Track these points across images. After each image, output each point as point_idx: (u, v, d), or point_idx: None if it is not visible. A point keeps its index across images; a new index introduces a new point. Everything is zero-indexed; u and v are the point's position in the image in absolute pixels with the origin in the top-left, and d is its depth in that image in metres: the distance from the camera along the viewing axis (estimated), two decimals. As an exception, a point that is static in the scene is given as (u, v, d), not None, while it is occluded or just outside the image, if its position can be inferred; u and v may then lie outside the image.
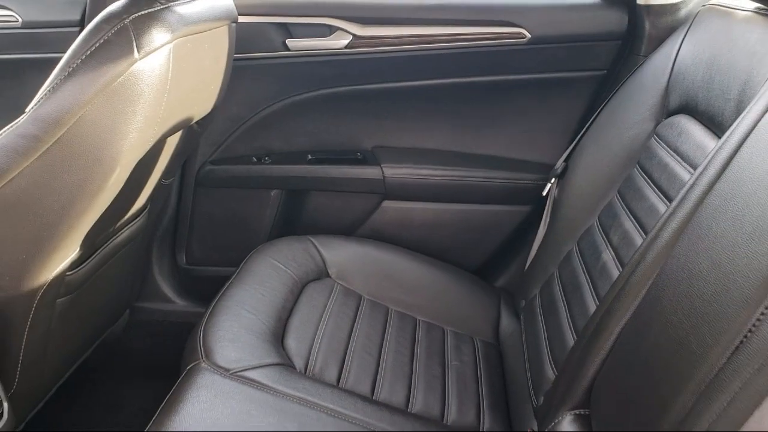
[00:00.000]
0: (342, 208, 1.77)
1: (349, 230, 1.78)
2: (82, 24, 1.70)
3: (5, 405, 1.07)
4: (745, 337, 0.72)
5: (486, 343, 1.50)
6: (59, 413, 1.60)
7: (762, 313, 0.71)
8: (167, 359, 1.45)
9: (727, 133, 0.99)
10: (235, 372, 1.11)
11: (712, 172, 0.95)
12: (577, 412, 1.03)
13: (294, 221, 1.81)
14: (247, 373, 1.11)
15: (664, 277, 0.92)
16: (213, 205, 1.80)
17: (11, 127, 1.03)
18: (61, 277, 1.16)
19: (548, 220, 1.59)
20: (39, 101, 1.03)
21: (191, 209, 1.79)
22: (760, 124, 0.89)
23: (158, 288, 1.81)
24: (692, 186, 1.00)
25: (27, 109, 1.04)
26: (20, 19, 1.71)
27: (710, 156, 1.00)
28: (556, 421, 1.04)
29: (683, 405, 0.76)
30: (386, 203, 1.76)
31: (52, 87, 1.02)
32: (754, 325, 0.72)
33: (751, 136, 0.89)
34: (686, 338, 0.81)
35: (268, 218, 1.79)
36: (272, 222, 1.79)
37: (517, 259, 1.77)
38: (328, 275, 1.54)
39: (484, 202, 1.74)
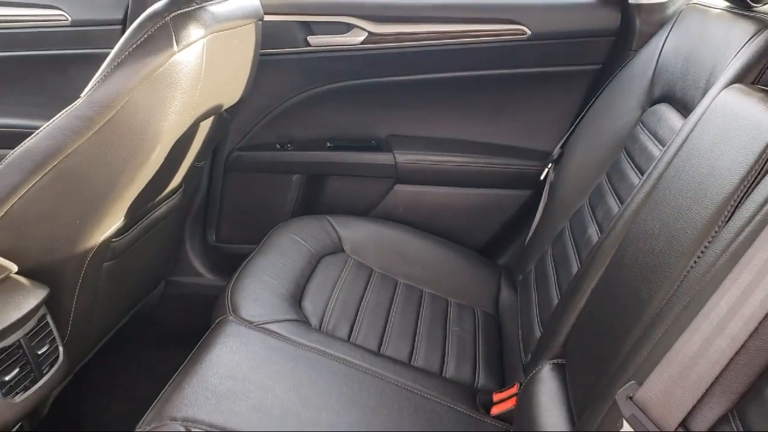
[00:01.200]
0: (357, 191, 1.93)
1: (363, 211, 1.93)
2: (124, 22, 1.88)
3: (60, 349, 1.24)
4: (680, 282, 0.86)
5: (486, 313, 1.64)
6: (99, 373, 1.76)
7: (694, 262, 0.85)
8: (197, 329, 1.61)
9: (690, 117, 1.13)
10: (258, 324, 1.27)
11: (672, 149, 1.10)
12: (555, 361, 1.18)
13: (313, 203, 1.97)
14: (268, 326, 1.27)
15: (627, 239, 1.07)
16: (240, 188, 1.96)
17: (68, 109, 1.20)
18: (107, 242, 1.33)
19: (545, 202, 1.73)
20: (92, 87, 1.19)
21: (221, 192, 1.96)
22: (710, 107, 1.02)
23: (190, 263, 1.98)
24: (657, 163, 1.14)
25: (82, 95, 1.21)
26: (69, 18, 1.89)
27: (674, 137, 1.14)
28: (537, 369, 1.18)
29: (631, 342, 0.90)
30: (398, 187, 1.91)
31: (104, 75, 1.19)
32: (687, 272, 0.86)
33: (703, 117, 1.03)
34: (638, 287, 0.96)
35: (290, 200, 1.95)
36: (294, 203, 1.96)
37: (517, 239, 1.91)
38: (342, 250, 1.70)
39: (488, 187, 1.89)
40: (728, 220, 0.82)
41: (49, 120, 1.27)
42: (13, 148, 1.30)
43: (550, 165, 1.73)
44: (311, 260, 1.59)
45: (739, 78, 1.05)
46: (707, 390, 0.75)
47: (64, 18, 1.89)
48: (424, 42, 1.82)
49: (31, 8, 1.87)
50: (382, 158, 1.90)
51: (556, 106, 1.84)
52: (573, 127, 1.72)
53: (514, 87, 1.86)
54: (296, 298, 1.43)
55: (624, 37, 1.73)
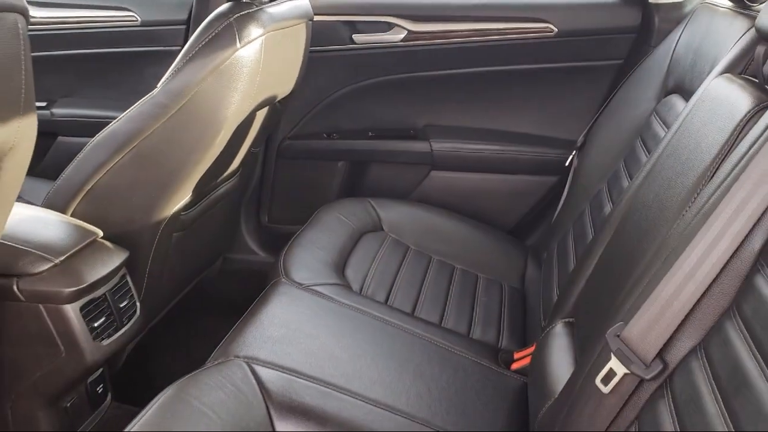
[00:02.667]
0: (396, 177, 2.10)
1: (401, 195, 2.10)
2: (188, 22, 2.08)
3: (138, 305, 1.45)
4: (664, 241, 1.01)
5: (512, 287, 1.79)
6: (165, 338, 1.95)
7: (676, 224, 1.00)
8: (251, 300, 1.80)
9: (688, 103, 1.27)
10: (307, 286, 1.46)
11: (671, 131, 1.24)
12: (566, 320, 1.33)
13: (356, 187, 2.15)
14: (315, 287, 1.45)
15: (629, 210, 1.22)
16: (290, 173, 2.16)
17: (147, 98, 1.40)
18: (177, 215, 1.53)
19: (569, 186, 1.88)
20: (167, 79, 1.39)
21: (273, 177, 2.15)
22: (702, 94, 1.16)
23: (245, 242, 2.18)
24: (659, 144, 1.29)
25: (158, 85, 1.41)
26: (139, 19, 2.11)
27: (675, 121, 1.28)
28: (550, 328, 1.34)
29: (624, 293, 1.05)
30: (434, 173, 2.08)
31: (177, 68, 1.38)
32: (669, 233, 1.01)
33: (696, 103, 1.17)
34: (634, 250, 1.11)
35: (335, 184, 2.14)
36: (338, 188, 2.14)
37: (544, 221, 2.05)
38: (382, 229, 1.87)
39: (517, 173, 2.04)
40: (703, 188, 0.97)
41: (121, 110, 1.47)
42: (92, 136, 1.51)
43: (574, 152, 1.88)
44: (353, 236, 1.76)
45: (730, 68, 1.19)
46: (678, 327, 0.90)
47: (134, 19, 2.11)
48: (459, 39, 1.99)
49: (106, 10, 2.10)
50: (419, 146, 2.07)
51: (580, 99, 1.99)
52: (596, 117, 1.86)
53: (541, 80, 2.01)
54: (340, 267, 1.60)
55: (644, 34, 1.86)
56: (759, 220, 0.86)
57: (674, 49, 1.63)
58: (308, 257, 1.57)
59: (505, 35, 1.96)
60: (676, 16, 1.78)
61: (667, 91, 1.60)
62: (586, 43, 1.93)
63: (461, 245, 1.89)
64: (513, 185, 2.06)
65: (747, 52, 1.17)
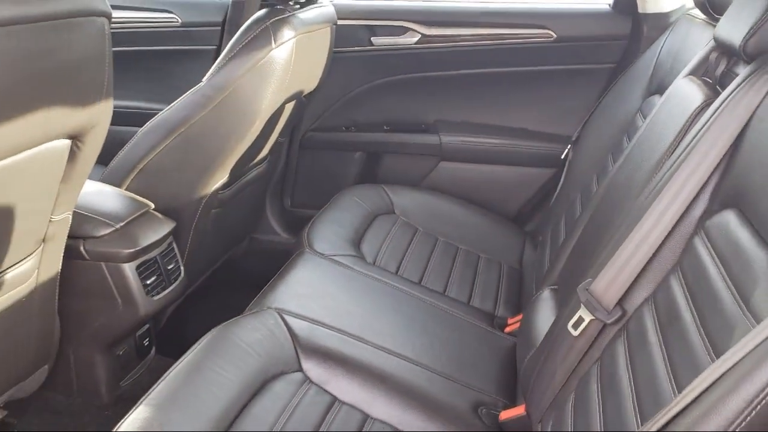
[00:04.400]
0: (408, 166, 2.32)
1: (412, 183, 2.30)
2: (223, 24, 2.30)
3: (182, 269, 1.66)
4: (627, 214, 1.21)
5: (511, 267, 1.99)
6: (197, 309, 2.16)
7: (640, 203, 1.20)
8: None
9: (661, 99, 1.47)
10: (328, 256, 1.67)
11: (645, 124, 1.44)
12: (552, 287, 1.53)
13: (371, 175, 2.36)
14: (335, 257, 1.67)
15: (607, 191, 1.42)
16: (312, 162, 2.37)
17: (193, 90, 1.62)
18: (216, 193, 1.74)
19: (564, 177, 2.08)
20: (212, 74, 1.61)
21: (296, 165, 2.37)
22: (670, 91, 1.37)
23: (269, 224, 2.39)
24: (635, 134, 1.49)
25: (204, 79, 1.63)
26: (180, 20, 2.33)
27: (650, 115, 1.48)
28: (538, 294, 1.54)
29: (597, 257, 1.25)
30: (442, 163, 2.29)
31: (220, 65, 1.60)
32: (632, 207, 1.21)
33: (665, 99, 1.37)
34: (606, 223, 1.31)
35: (352, 173, 2.35)
36: (355, 176, 2.35)
37: (542, 209, 2.26)
38: (393, 212, 2.07)
39: (518, 165, 2.25)
40: (660, 168, 1.17)
41: (161, 102, 1.69)
42: (137, 125, 1.73)
43: (569, 146, 2.08)
44: (368, 217, 1.97)
45: (693, 71, 1.39)
46: (635, 281, 1.10)
47: (175, 20, 2.34)
48: (468, 43, 2.21)
49: (150, 12, 2.33)
50: (429, 139, 2.28)
51: (576, 98, 2.19)
52: (589, 115, 2.06)
53: (541, 81, 2.22)
54: (356, 242, 1.81)
55: (634, 40, 2.07)
56: (699, 192, 1.07)
57: (658, 55, 1.83)
58: (328, 232, 1.78)
59: (509, 40, 2.17)
60: (662, 25, 1.98)
61: (651, 92, 1.79)
62: (582, 48, 2.14)
63: (465, 229, 2.09)
64: (514, 176, 2.26)
65: (705, 58, 1.37)
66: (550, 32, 2.13)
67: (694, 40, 1.60)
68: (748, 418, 0.58)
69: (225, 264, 2.18)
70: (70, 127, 1.14)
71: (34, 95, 1.01)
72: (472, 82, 2.26)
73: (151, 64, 2.36)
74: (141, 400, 1.09)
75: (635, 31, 2.07)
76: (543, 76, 2.21)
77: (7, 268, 1.19)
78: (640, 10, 2.04)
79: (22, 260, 1.22)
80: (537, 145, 2.23)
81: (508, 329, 1.63)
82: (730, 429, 0.58)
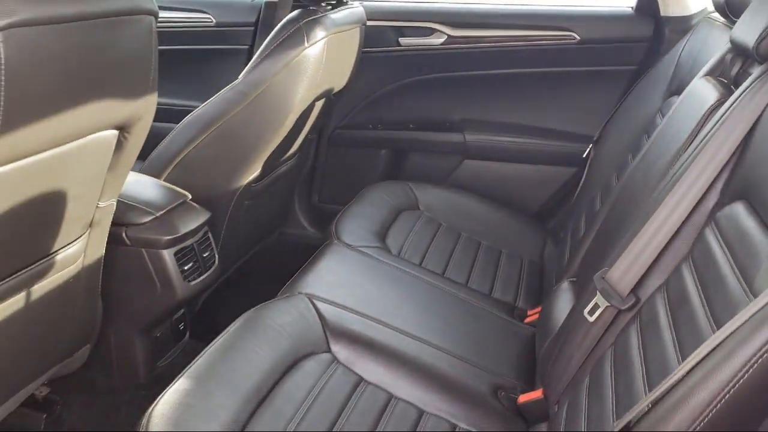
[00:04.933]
0: (433, 164, 2.38)
1: (437, 180, 2.36)
2: (256, 24, 2.39)
3: (216, 257, 1.74)
4: (643, 208, 1.27)
5: (532, 262, 2.05)
6: (228, 295, 2.23)
7: (655, 196, 1.26)
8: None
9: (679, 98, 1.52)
10: (355, 247, 1.74)
11: (663, 122, 1.50)
12: (571, 279, 1.59)
13: (397, 172, 2.43)
14: (361, 248, 1.74)
15: (625, 187, 1.48)
16: (339, 159, 2.45)
17: (229, 87, 1.70)
18: (249, 186, 1.82)
19: (585, 175, 2.13)
20: (247, 71, 1.69)
21: (324, 162, 2.45)
22: (687, 91, 1.42)
23: (297, 218, 2.47)
24: (654, 133, 1.54)
25: (239, 77, 1.71)
26: (214, 20, 2.42)
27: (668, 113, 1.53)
28: (558, 285, 1.60)
29: (614, 250, 1.31)
30: (466, 161, 2.35)
31: (256, 63, 1.68)
32: (648, 201, 1.27)
33: (683, 98, 1.42)
34: (623, 216, 1.37)
35: (378, 170, 2.42)
36: (381, 173, 2.42)
37: (564, 206, 2.30)
38: (418, 208, 2.13)
39: (541, 163, 2.30)
40: (675, 163, 1.23)
41: (195, 99, 1.76)
42: (173, 122, 1.82)
43: (591, 146, 2.13)
44: (393, 212, 2.03)
45: (710, 72, 1.44)
46: (648, 269, 1.16)
47: (210, 21, 2.43)
48: (493, 44, 2.27)
49: (187, 12, 2.42)
50: (454, 138, 2.35)
51: (598, 99, 2.24)
52: (611, 115, 2.11)
53: (564, 82, 2.27)
54: (381, 235, 1.88)
55: (655, 43, 2.11)
56: (711, 185, 1.12)
57: (679, 57, 1.88)
58: (355, 225, 1.85)
59: (533, 41, 2.22)
60: (683, 28, 2.02)
61: (671, 93, 1.84)
62: (604, 50, 2.19)
63: (488, 225, 2.15)
64: (537, 174, 2.32)
65: (721, 60, 1.42)
66: (573, 34, 2.18)
67: (714, 43, 1.64)
68: (741, 381, 0.63)
69: (255, 256, 2.26)
70: (119, 118, 1.22)
71: (88, 88, 1.09)
72: (496, 82, 2.32)
73: (186, 63, 2.45)
74: (181, 373, 1.16)
75: (657, 34, 2.12)
76: (566, 77, 2.26)
77: (58, 250, 1.27)
78: (662, 13, 2.09)
79: (70, 243, 1.30)
80: (559, 144, 2.28)
81: (527, 320, 1.69)
82: (726, 389, 0.64)
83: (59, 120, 1.05)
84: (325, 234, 1.84)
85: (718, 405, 0.64)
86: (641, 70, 2.15)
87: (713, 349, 0.69)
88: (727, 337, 0.68)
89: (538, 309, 1.70)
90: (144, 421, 1.05)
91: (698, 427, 0.66)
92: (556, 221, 2.31)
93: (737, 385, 0.64)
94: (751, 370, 0.63)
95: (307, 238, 2.47)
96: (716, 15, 1.82)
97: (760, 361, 0.63)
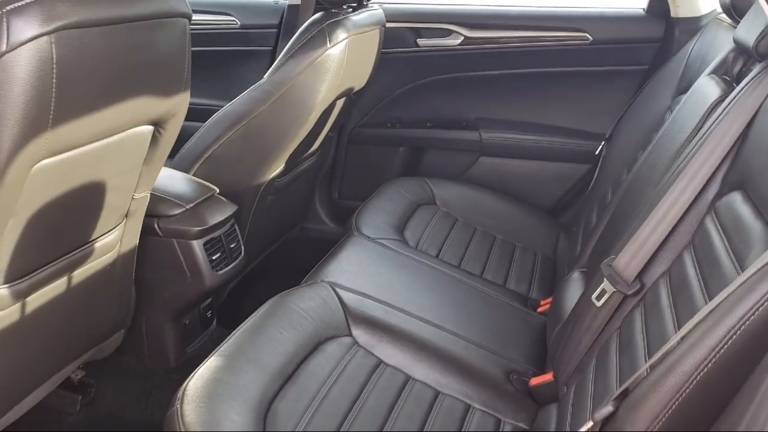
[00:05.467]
0: (449, 161, 2.45)
1: (453, 176, 2.43)
2: (279, 27, 2.47)
3: (242, 248, 1.83)
4: (648, 199, 1.33)
5: (545, 256, 2.11)
6: (252, 285, 2.30)
7: (660, 188, 1.33)
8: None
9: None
10: (374, 239, 1.82)
11: (669, 119, 1.56)
12: (581, 269, 1.65)
13: (414, 169, 2.51)
14: (381, 240, 1.81)
15: (633, 180, 1.54)
16: (359, 156, 2.53)
17: (255, 86, 1.79)
18: (272, 181, 1.90)
19: (598, 172, 2.19)
20: (272, 71, 1.77)
21: (344, 159, 2.52)
22: (693, 88, 1.48)
23: (318, 214, 2.55)
24: (661, 128, 1.60)
25: (264, 76, 1.79)
26: (239, 23, 2.51)
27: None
28: (568, 275, 1.66)
29: (621, 239, 1.38)
30: (482, 158, 2.42)
31: (281, 63, 1.76)
32: (653, 192, 1.33)
33: (688, 95, 1.49)
34: (630, 208, 1.43)
35: (397, 167, 2.50)
36: (399, 169, 2.50)
37: (576, 202, 2.37)
38: (435, 203, 2.20)
39: (555, 160, 2.37)
40: (678, 156, 1.29)
41: (221, 99, 1.84)
42: (198, 120, 1.90)
43: (603, 143, 2.19)
44: (411, 206, 2.11)
45: (715, 70, 1.50)
46: (653, 257, 1.22)
47: (235, 23, 2.52)
48: (509, 44, 2.34)
49: (212, 15, 2.52)
50: (470, 135, 2.42)
51: (610, 98, 2.30)
52: (622, 114, 2.17)
53: (577, 81, 2.34)
54: (399, 229, 1.96)
55: (666, 43, 2.17)
56: (711, 177, 1.19)
57: (688, 57, 1.94)
58: (374, 219, 1.93)
59: (547, 42, 2.29)
60: (693, 29, 2.08)
61: (680, 92, 1.90)
62: (616, 50, 2.25)
63: (503, 220, 2.21)
64: (551, 171, 2.38)
65: (725, 59, 1.48)
66: (586, 35, 2.25)
67: (720, 43, 1.70)
68: (727, 345, 0.70)
69: (277, 250, 2.34)
70: (154, 114, 1.31)
71: (128, 85, 1.18)
72: (511, 81, 2.39)
73: (211, 64, 2.53)
74: (213, 352, 1.25)
75: (668, 35, 2.18)
76: (579, 77, 2.32)
77: (97, 238, 1.36)
78: (672, 15, 2.15)
79: (108, 232, 1.39)
80: (573, 142, 2.35)
81: (540, 309, 1.76)
82: (714, 353, 0.70)
83: (102, 115, 1.14)
84: (344, 228, 1.92)
85: (708, 366, 0.71)
86: (652, 69, 2.20)
87: (704, 318, 0.76)
88: (715, 307, 0.75)
89: (551, 299, 1.77)
90: (179, 394, 1.13)
91: (689, 388, 0.72)
92: (570, 216, 2.37)
93: (724, 348, 0.70)
94: (735, 335, 0.70)
95: (326, 233, 2.55)
96: (724, 16, 1.88)
97: (743, 327, 0.70)
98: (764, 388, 0.61)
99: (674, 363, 0.75)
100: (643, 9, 2.28)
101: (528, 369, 1.48)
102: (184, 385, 1.16)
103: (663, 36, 2.20)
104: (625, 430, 0.78)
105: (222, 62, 2.54)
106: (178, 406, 1.10)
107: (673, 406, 0.74)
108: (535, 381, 1.43)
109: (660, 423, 0.75)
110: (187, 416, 1.08)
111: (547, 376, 1.42)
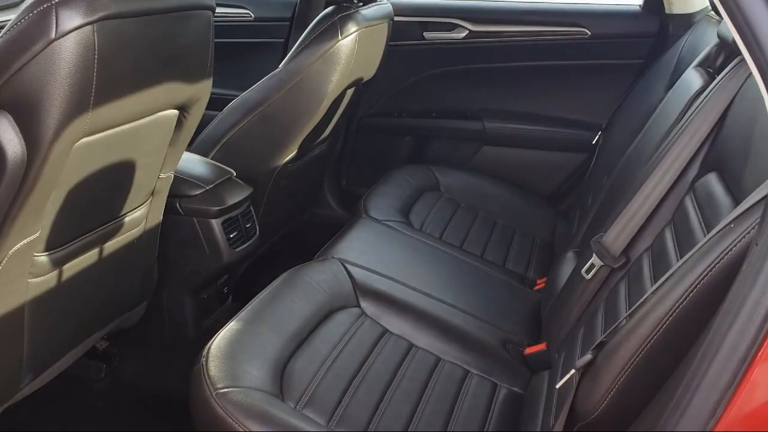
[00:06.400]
0: (453, 150, 2.56)
1: (457, 164, 2.54)
2: (292, 19, 2.58)
3: (257, 228, 1.94)
4: (635, 180, 1.44)
5: (543, 240, 2.22)
6: (265, 265, 2.40)
7: (645, 171, 1.43)
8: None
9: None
10: (381, 221, 1.93)
11: (658, 108, 1.66)
12: (575, 249, 1.76)
13: (420, 157, 2.62)
14: (387, 222, 1.93)
15: (624, 164, 1.65)
16: (367, 145, 2.64)
17: (270, 75, 1.90)
18: (286, 165, 2.01)
19: (595, 160, 2.30)
20: (287, 61, 1.88)
21: (353, 147, 2.64)
22: (681, 79, 1.59)
23: (327, 200, 2.65)
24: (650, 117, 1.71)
25: (280, 66, 1.90)
26: (253, 15, 2.62)
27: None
28: (563, 255, 1.77)
29: (610, 219, 1.48)
30: (485, 147, 2.54)
31: (294, 54, 1.87)
32: (639, 174, 1.44)
33: (677, 85, 1.59)
34: (619, 189, 1.54)
35: (403, 155, 2.61)
36: (405, 158, 2.61)
37: (574, 189, 2.47)
38: (439, 189, 2.32)
39: (554, 149, 2.48)
40: (663, 141, 1.40)
41: (235, 89, 1.94)
42: (216, 109, 2.01)
43: (599, 133, 2.30)
44: (416, 192, 2.22)
45: (700, 63, 1.60)
46: (637, 233, 1.33)
47: (249, 16, 2.63)
48: (511, 38, 2.45)
49: (227, 8, 2.62)
50: (473, 125, 2.53)
51: (607, 90, 2.40)
52: (618, 105, 2.28)
53: (576, 74, 2.45)
54: (405, 212, 2.07)
55: (660, 38, 2.28)
56: (691, 160, 1.29)
57: (681, 51, 2.04)
58: (382, 202, 2.04)
59: (548, 36, 2.40)
60: (686, 25, 2.18)
61: (672, 84, 1.98)
62: (613, 44, 2.36)
63: (503, 206, 2.32)
64: (550, 159, 2.49)
65: (710, 52, 1.59)
66: (585, 30, 2.35)
67: (709, 38, 1.80)
68: (689, 297, 0.82)
69: (288, 233, 2.45)
70: (180, 99, 1.42)
71: (159, 72, 1.29)
72: (513, 74, 2.50)
73: (227, 55, 2.63)
74: (232, 318, 1.36)
75: (662, 30, 2.28)
76: (578, 70, 2.43)
77: (126, 213, 1.48)
78: (666, 11, 2.25)
79: (136, 207, 1.51)
80: (571, 132, 2.46)
81: (536, 288, 1.87)
82: (678, 303, 0.82)
83: (135, 98, 1.25)
84: (353, 211, 2.03)
85: (672, 315, 0.82)
86: (647, 63, 2.31)
87: (671, 274, 0.87)
88: (681, 265, 0.86)
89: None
90: (204, 352, 1.24)
91: (657, 334, 0.83)
92: (567, 203, 2.48)
93: (686, 300, 0.82)
94: (694, 290, 0.81)
95: (335, 218, 2.65)
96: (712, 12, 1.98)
97: (703, 280, 0.81)
98: (715, 327, 0.72)
99: (645, 314, 0.86)
100: (639, 5, 2.39)
101: (523, 339, 1.59)
102: (208, 345, 1.27)
103: (657, 31, 2.30)
104: (601, 375, 0.89)
105: (236, 53, 2.65)
106: (203, 362, 1.22)
107: (642, 351, 0.85)
108: (529, 350, 1.54)
109: (630, 367, 0.86)
110: (211, 371, 1.19)
111: (541, 346, 1.53)
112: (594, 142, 2.31)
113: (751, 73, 0.77)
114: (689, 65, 1.84)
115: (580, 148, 2.45)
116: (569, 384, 0.97)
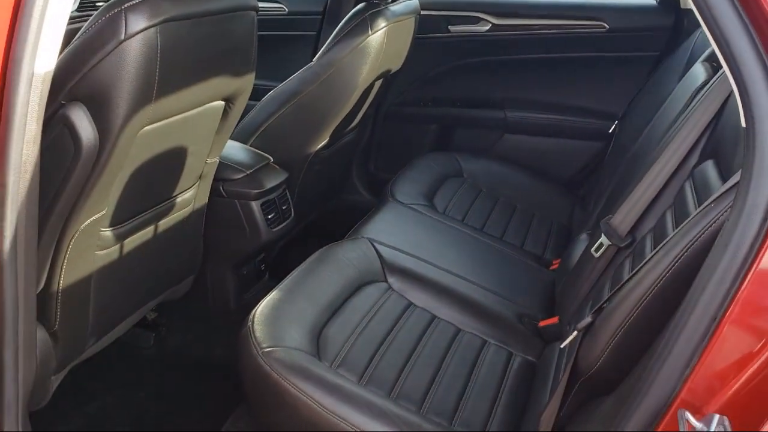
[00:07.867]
0: (477, 138, 2.69)
1: (480, 152, 2.67)
2: (324, 13, 2.72)
3: (292, 210, 2.09)
4: (643, 167, 1.56)
5: (561, 224, 2.34)
6: (298, 245, 2.55)
7: (651, 159, 1.56)
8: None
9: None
10: (406, 204, 2.07)
11: (668, 99, 1.78)
12: (588, 231, 1.89)
13: (444, 145, 2.75)
14: (413, 206, 2.07)
15: (636, 149, 1.77)
16: (394, 132, 2.77)
17: (306, 68, 2.04)
18: (319, 152, 2.16)
19: (611, 149, 2.41)
20: (320, 55, 2.02)
21: (380, 134, 2.77)
22: (689, 72, 1.70)
23: (355, 186, 2.79)
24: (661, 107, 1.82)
25: (314, 59, 2.04)
26: (286, 10, 2.76)
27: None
28: (577, 236, 1.90)
29: (618, 203, 1.61)
30: (506, 135, 2.66)
31: (328, 48, 2.01)
32: (650, 161, 1.56)
33: (684, 79, 1.71)
34: (629, 175, 1.66)
35: (428, 142, 2.75)
36: (430, 145, 2.74)
37: (592, 176, 2.59)
38: (462, 175, 2.45)
39: (572, 138, 2.59)
40: (669, 130, 1.52)
41: (268, 80, 2.08)
42: (253, 99, 2.15)
43: (616, 122, 2.41)
44: (440, 178, 2.35)
45: (707, 58, 1.72)
46: (642, 215, 1.46)
47: (283, 10, 2.77)
48: (532, 31, 2.57)
49: (263, 2, 2.75)
50: (496, 114, 2.66)
51: (623, 81, 2.51)
52: (634, 95, 2.39)
53: (593, 66, 2.56)
54: (429, 196, 2.21)
55: (675, 32, 2.38)
56: (692, 148, 1.41)
57: (693, 45, 2.14)
58: (407, 187, 2.19)
59: (567, 29, 2.52)
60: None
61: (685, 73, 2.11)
62: (630, 38, 2.47)
63: (523, 191, 2.44)
64: (568, 147, 2.61)
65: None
66: (603, 23, 2.47)
67: (719, 32, 1.91)
68: (675, 265, 0.95)
69: (319, 216, 2.60)
70: (228, 91, 1.57)
71: (210, 67, 1.44)
72: (534, 65, 2.62)
73: (262, 48, 2.77)
74: (273, 289, 1.51)
75: (677, 24, 2.39)
76: (596, 62, 2.55)
77: (178, 194, 1.64)
78: (682, 6, 2.35)
79: (186, 189, 1.66)
80: (589, 121, 2.57)
81: (552, 267, 2.00)
82: (666, 270, 0.95)
83: (189, 91, 1.40)
84: (380, 196, 2.17)
85: (662, 280, 0.96)
86: (662, 56, 2.41)
87: (660, 248, 1.00)
88: (668, 241, 0.99)
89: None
90: (250, 317, 1.40)
91: (648, 296, 0.97)
92: (585, 190, 2.59)
93: (672, 268, 0.95)
94: (679, 260, 0.94)
95: (362, 203, 2.79)
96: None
97: (684, 255, 0.94)
98: (691, 291, 0.85)
99: (638, 281, 1.00)
100: (655, 0, 2.49)
101: (538, 314, 1.73)
102: (253, 311, 1.43)
103: (673, 25, 2.40)
104: (599, 334, 1.03)
105: (271, 46, 2.79)
106: (249, 325, 1.37)
107: (635, 313, 0.99)
108: (543, 323, 1.68)
109: (625, 326, 1.00)
110: (257, 333, 1.35)
111: (554, 319, 1.66)
112: (610, 131, 2.43)
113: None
114: (700, 59, 1.95)
115: (597, 137, 2.56)
116: (573, 344, 1.11)
